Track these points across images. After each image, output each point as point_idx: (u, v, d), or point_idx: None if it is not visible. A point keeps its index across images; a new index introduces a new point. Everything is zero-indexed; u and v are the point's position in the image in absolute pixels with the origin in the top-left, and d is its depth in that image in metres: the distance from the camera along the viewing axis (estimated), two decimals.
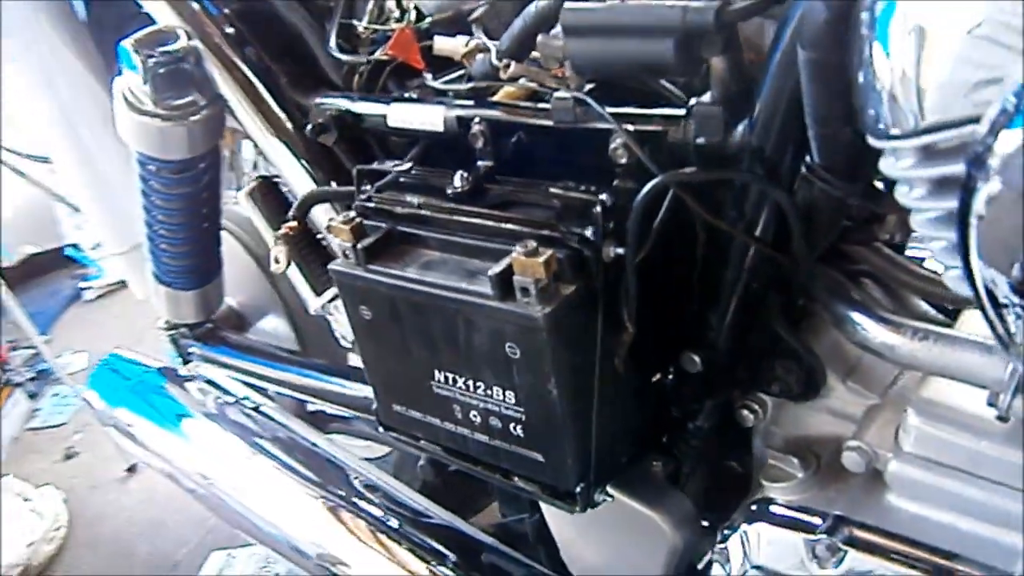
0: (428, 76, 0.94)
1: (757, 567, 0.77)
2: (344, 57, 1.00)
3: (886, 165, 0.57)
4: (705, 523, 0.90)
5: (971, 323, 0.78)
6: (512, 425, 0.82)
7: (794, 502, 0.78)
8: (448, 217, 0.82)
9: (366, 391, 1.16)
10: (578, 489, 0.81)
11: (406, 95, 0.96)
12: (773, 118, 0.69)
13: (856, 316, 0.75)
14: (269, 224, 1.10)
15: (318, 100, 1.02)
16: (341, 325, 1.08)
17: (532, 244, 0.72)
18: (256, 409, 1.50)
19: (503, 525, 1.26)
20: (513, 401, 0.80)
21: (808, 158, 0.68)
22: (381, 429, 0.98)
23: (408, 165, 0.88)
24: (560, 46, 0.76)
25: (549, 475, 0.83)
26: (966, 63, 0.50)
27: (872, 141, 0.57)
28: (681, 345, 0.84)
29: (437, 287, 0.79)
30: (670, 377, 0.87)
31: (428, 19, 0.99)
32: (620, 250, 0.74)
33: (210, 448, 1.43)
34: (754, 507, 0.80)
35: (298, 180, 1.03)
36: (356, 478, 1.35)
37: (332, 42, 1.01)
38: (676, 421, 0.90)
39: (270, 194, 1.11)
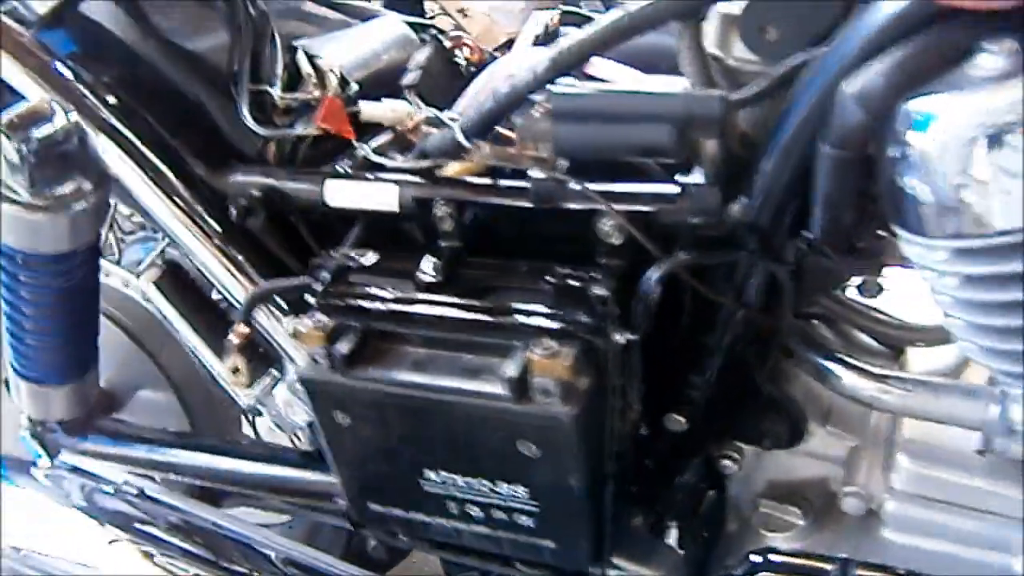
0: (365, 149, 0.87)
1: None
2: (264, 131, 0.90)
3: (913, 253, 0.61)
4: None
5: (921, 361, 0.86)
6: (520, 516, 0.80)
7: (795, 549, 0.82)
8: (430, 312, 0.78)
9: (280, 471, 1.10)
10: (595, 570, 0.81)
11: (344, 171, 0.89)
12: (772, 197, 0.71)
13: (840, 369, 0.79)
14: (183, 316, 0.98)
15: (237, 178, 0.92)
16: (282, 418, 0.99)
17: (552, 344, 0.70)
18: (140, 494, 1.36)
19: None
20: (524, 495, 0.78)
21: (808, 234, 0.71)
22: (351, 526, 0.92)
23: (372, 255, 0.82)
24: (547, 129, 0.74)
25: (561, 559, 0.82)
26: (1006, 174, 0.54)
27: (903, 233, 0.61)
28: (663, 406, 0.85)
29: (438, 391, 0.75)
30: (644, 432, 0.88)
31: (353, 85, 0.92)
32: (632, 336, 0.73)
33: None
34: (757, 558, 0.83)
35: (221, 272, 0.92)
36: (271, 552, 1.27)
37: (245, 113, 0.91)
38: (651, 474, 0.92)
39: (179, 282, 0.99)
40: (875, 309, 0.88)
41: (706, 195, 0.73)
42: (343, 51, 0.97)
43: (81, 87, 0.93)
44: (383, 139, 0.91)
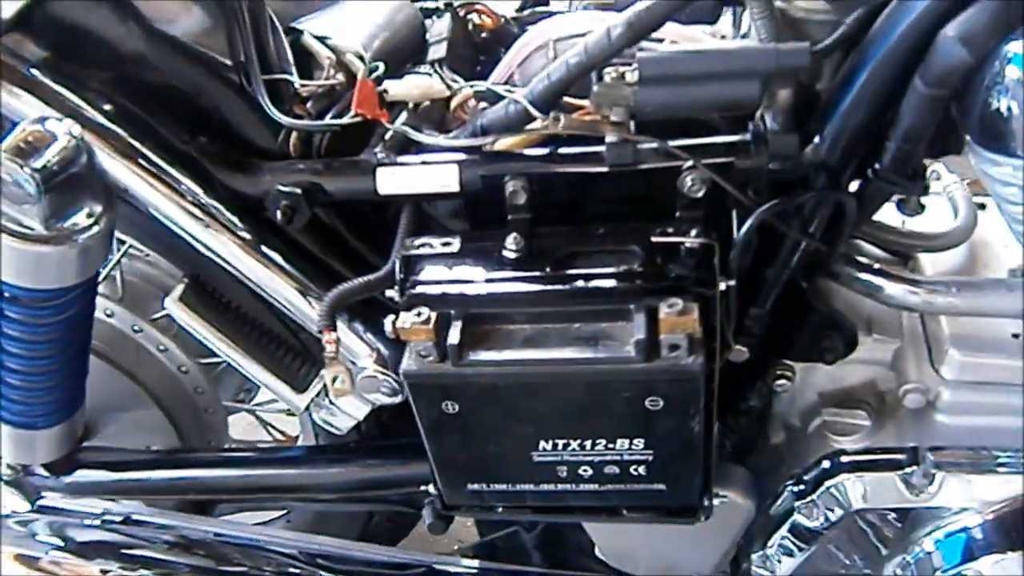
0: (413, 132, 0.85)
1: (858, 511, 0.89)
2: (297, 124, 0.85)
3: (998, 172, 0.69)
4: None
5: (931, 265, 0.96)
6: (634, 467, 0.83)
7: (865, 447, 0.91)
8: (531, 288, 0.78)
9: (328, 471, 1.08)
10: (703, 502, 0.86)
11: (390, 158, 0.85)
12: (845, 135, 0.76)
13: (888, 282, 0.88)
14: (212, 329, 0.92)
15: (268, 177, 0.86)
16: (339, 416, 0.96)
17: (678, 301, 0.73)
18: (126, 520, 1.29)
19: (489, 544, 1.26)
20: (641, 447, 0.81)
21: (876, 165, 0.77)
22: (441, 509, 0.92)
23: (456, 240, 0.81)
24: (628, 93, 0.75)
25: (671, 499, 0.86)
26: None
27: (990, 155, 0.68)
28: None
29: (560, 363, 0.76)
30: None
31: (377, 65, 0.88)
32: (731, 282, 0.78)
33: None
34: (829, 462, 0.92)
35: (268, 279, 0.87)
36: (291, 551, 1.25)
37: (269, 105, 0.85)
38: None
39: (203, 295, 0.93)
40: (884, 224, 0.97)
41: (784, 141, 0.77)
42: (349, 29, 0.92)
43: (72, 95, 0.84)
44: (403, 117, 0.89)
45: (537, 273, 0.79)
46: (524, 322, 0.79)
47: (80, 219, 0.82)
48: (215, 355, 1.35)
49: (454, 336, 0.76)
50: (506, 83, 0.88)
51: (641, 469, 0.83)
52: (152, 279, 1.26)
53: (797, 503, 0.94)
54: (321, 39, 0.90)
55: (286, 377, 0.94)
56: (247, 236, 0.87)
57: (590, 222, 0.83)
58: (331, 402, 0.95)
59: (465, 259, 0.81)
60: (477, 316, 0.79)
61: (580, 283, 0.78)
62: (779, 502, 0.97)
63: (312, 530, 1.36)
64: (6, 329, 0.93)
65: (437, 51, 0.90)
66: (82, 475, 1.20)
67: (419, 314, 0.76)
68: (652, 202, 0.82)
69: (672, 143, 0.78)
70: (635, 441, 0.81)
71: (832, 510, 0.91)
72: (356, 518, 1.34)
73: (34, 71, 0.84)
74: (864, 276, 0.89)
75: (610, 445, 0.82)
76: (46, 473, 1.18)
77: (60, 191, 0.79)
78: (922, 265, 0.97)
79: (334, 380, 0.79)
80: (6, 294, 0.89)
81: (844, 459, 0.91)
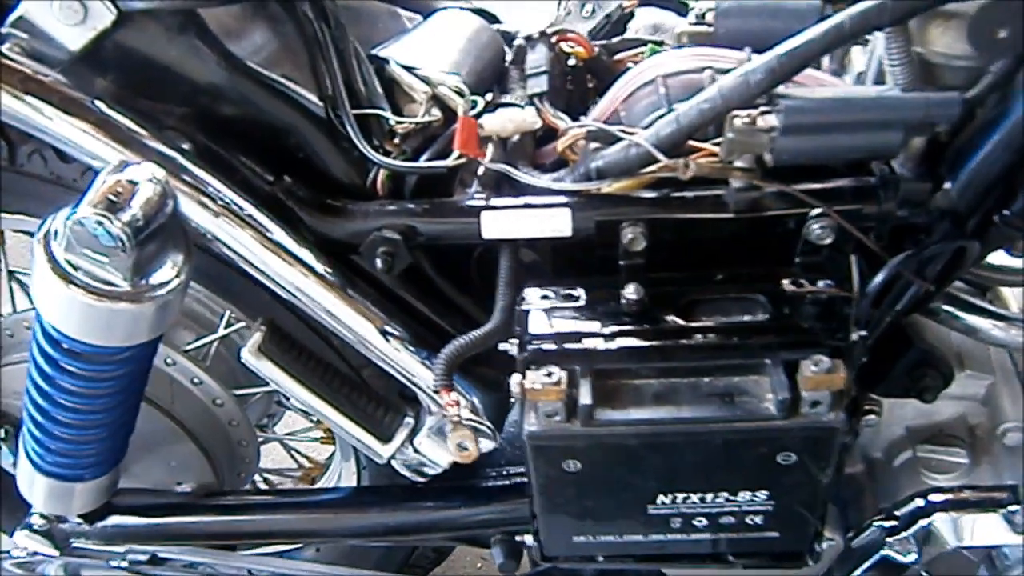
0: (523, 174, 0.80)
1: (958, 549, 0.89)
2: (401, 165, 0.80)
3: None
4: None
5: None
6: (750, 517, 0.81)
7: (962, 484, 0.91)
8: (660, 343, 0.75)
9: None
10: (813, 547, 0.85)
11: (490, 200, 0.80)
12: (978, 183, 0.75)
13: (990, 322, 0.87)
14: (295, 380, 0.86)
15: (359, 222, 0.81)
16: (428, 464, 0.91)
17: (824, 359, 0.71)
18: (153, 559, 1.22)
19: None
20: (764, 498, 0.79)
21: (1004, 211, 0.76)
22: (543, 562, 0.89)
23: (581, 291, 0.77)
24: (765, 141, 0.72)
25: (782, 545, 0.85)
26: None
27: None
28: None
29: (694, 422, 0.73)
30: None
31: (476, 101, 0.83)
32: (863, 332, 0.76)
33: None
34: (923, 499, 0.92)
35: (368, 332, 0.81)
36: None
37: (363, 144, 0.79)
38: None
39: (284, 343, 0.86)
40: None
41: (916, 187, 0.76)
42: (434, 57, 0.87)
43: (147, 134, 0.76)
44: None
45: (662, 325, 0.76)
46: (651, 376, 0.76)
47: (164, 273, 0.75)
48: (249, 385, 1.32)
49: (586, 396, 0.73)
50: (607, 120, 0.84)
51: (758, 519, 0.82)
52: (184, 309, 1.18)
53: (889, 539, 0.93)
54: (410, 69, 0.84)
55: (370, 427, 0.88)
56: (341, 284, 0.81)
57: (703, 267, 0.81)
58: (416, 450, 0.91)
59: (582, 310, 0.78)
60: (603, 372, 0.75)
61: (709, 336, 0.75)
62: (864, 535, 0.97)
63: (347, 562, 1.31)
64: (61, 382, 0.85)
65: (537, 84, 0.84)
66: (116, 520, 1.13)
67: (549, 374, 0.72)
68: (767, 246, 0.80)
69: (796, 187, 0.76)
70: (758, 493, 0.79)
71: (927, 547, 0.91)
72: (399, 550, 1.29)
73: (102, 106, 0.76)
74: (965, 315, 0.88)
75: (731, 497, 0.80)
76: (79, 520, 1.10)
77: (149, 243, 0.72)
78: (1006, 299, 0.97)
79: (460, 446, 0.74)
80: (65, 346, 0.82)
81: (941, 497, 0.91)
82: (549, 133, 0.87)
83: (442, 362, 0.75)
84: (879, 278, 0.75)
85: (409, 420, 0.90)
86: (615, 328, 0.75)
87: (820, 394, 0.71)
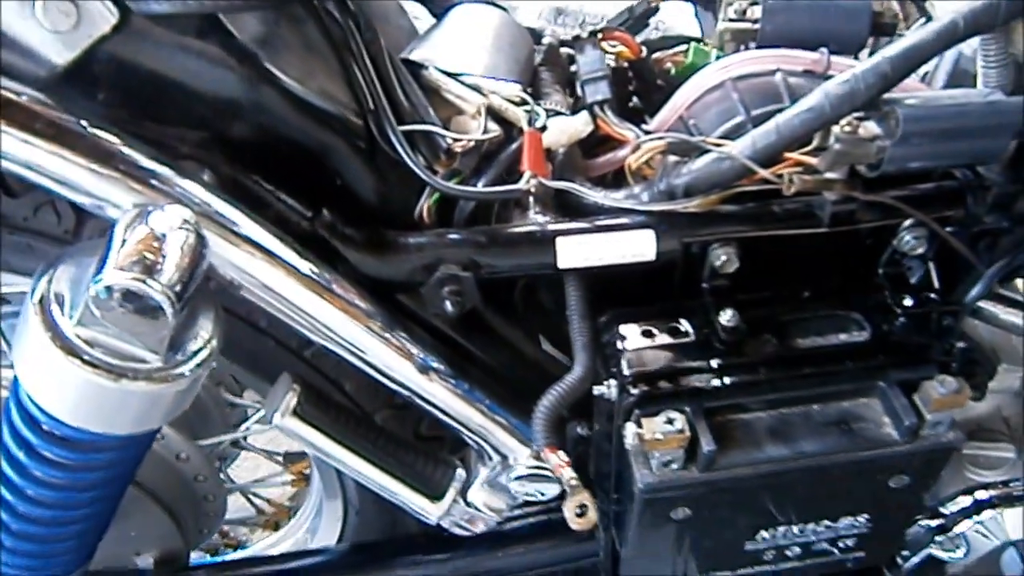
0: (595, 194, 0.71)
1: (1007, 544, 0.90)
2: (468, 191, 0.69)
3: None
4: None
5: None
6: (843, 541, 0.78)
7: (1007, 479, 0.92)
8: (768, 375, 0.69)
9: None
10: (897, 560, 0.83)
11: (559, 223, 0.71)
12: None
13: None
14: (336, 443, 0.74)
15: (415, 257, 0.69)
16: (482, 516, 0.81)
17: (951, 381, 0.67)
18: None
19: None
20: (864, 521, 0.76)
21: None
22: None
23: (685, 324, 0.69)
24: (873, 150, 0.67)
25: (865, 562, 0.82)
26: None
27: None
28: None
29: (817, 456, 0.68)
30: None
31: (538, 113, 0.73)
32: (963, 345, 0.73)
33: None
34: (971, 496, 0.92)
35: (436, 390, 0.70)
36: None
37: (418, 165, 0.68)
38: None
39: (320, 403, 0.73)
40: None
41: (1007, 191, 0.73)
42: (469, 60, 0.76)
43: (162, 166, 0.61)
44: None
45: (767, 353, 0.70)
46: (761, 410, 0.70)
47: (196, 341, 0.61)
48: (212, 434, 1.15)
49: (708, 442, 0.66)
50: (670, 129, 0.76)
51: (851, 541, 0.78)
52: None
53: (936, 537, 0.93)
54: (454, 75, 0.73)
55: (420, 486, 0.77)
56: (399, 328, 0.70)
57: (787, 283, 0.76)
58: (468, 503, 0.81)
59: (672, 342, 0.70)
60: (713, 410, 0.69)
61: (819, 362, 0.70)
62: (910, 535, 0.96)
63: None
64: (36, 472, 0.69)
65: (597, 91, 0.75)
66: None
67: (670, 421, 0.65)
68: (850, 258, 0.76)
69: (892, 196, 0.72)
70: (860, 517, 0.75)
71: (977, 544, 0.91)
72: None
73: (99, 132, 0.60)
74: (1007, 313, 0.88)
75: (831, 524, 0.76)
76: None
77: (184, 324, 0.58)
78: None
79: (579, 512, 0.65)
80: (50, 430, 0.66)
81: (988, 493, 0.91)
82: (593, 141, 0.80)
83: (541, 421, 0.66)
84: (978, 289, 0.73)
85: (460, 472, 0.80)
86: (720, 361, 0.69)
87: (944, 416, 0.68)
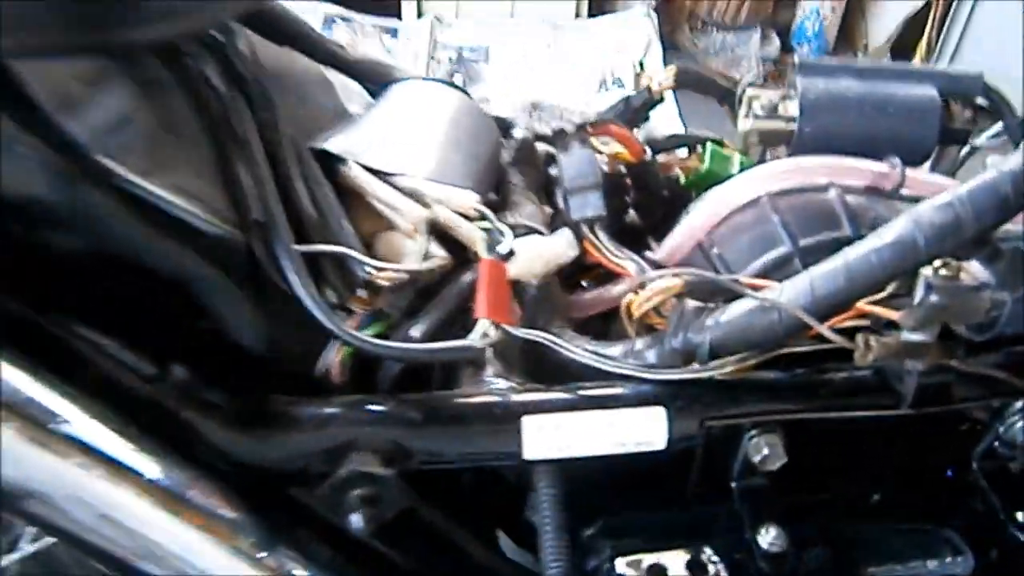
0: (606, 360, 0.49)
1: None
2: (410, 349, 0.46)
3: None
4: None
5: None
6: None
7: None
8: None
9: None
10: None
11: (539, 396, 0.49)
12: None
13: None
14: None
15: (318, 436, 0.46)
16: None
17: None
18: None
19: None
20: None
21: None
22: None
23: (710, 554, 0.46)
24: (986, 302, 0.46)
25: None
26: None
27: None
28: None
29: None
30: None
31: (503, 232, 0.52)
32: None
33: None
34: None
35: None
36: None
37: (319, 305, 0.45)
38: None
39: None
40: None
41: None
42: (412, 156, 0.55)
43: None
44: None
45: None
46: None
47: None
48: None
49: None
50: (686, 259, 0.55)
51: None
52: None
53: None
54: (383, 175, 0.51)
55: None
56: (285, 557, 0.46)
57: (847, 481, 0.54)
58: None
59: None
60: None
61: None
62: None
63: None
64: None
65: (587, 205, 0.54)
66: None
67: None
68: (935, 449, 0.54)
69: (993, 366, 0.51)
70: None
71: None
72: None
73: None
74: None
75: None
76: None
77: None
78: None
79: None
80: None
81: None
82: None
83: None
84: None
85: None
86: None
87: None
